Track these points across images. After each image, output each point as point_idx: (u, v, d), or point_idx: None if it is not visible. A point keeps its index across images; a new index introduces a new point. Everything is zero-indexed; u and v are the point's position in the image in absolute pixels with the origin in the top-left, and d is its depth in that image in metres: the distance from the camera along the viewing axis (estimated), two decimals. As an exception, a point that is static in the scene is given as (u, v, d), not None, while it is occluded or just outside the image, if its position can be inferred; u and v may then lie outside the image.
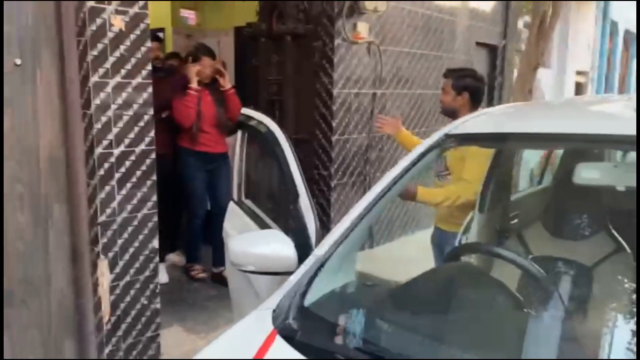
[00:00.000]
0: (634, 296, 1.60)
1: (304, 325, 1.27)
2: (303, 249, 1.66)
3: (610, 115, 1.57)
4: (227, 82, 3.41)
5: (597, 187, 1.96)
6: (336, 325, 1.29)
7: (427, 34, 4.28)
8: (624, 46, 9.69)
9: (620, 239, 1.97)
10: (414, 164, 1.70)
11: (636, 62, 7.14)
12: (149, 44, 2.44)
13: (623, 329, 1.57)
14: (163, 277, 3.61)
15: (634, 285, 1.69)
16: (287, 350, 1.19)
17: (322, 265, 1.47)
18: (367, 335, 1.22)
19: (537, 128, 1.54)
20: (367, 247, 2.93)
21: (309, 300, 1.38)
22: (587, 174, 1.58)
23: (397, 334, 1.25)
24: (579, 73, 7.44)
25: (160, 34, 3.79)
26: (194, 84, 3.35)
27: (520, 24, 5.95)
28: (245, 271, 1.73)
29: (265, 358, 1.17)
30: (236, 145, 2.66)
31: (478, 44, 4.90)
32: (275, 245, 1.68)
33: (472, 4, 4.78)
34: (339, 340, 1.20)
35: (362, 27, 3.56)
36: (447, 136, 1.76)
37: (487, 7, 4.89)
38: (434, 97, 4.12)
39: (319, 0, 3.49)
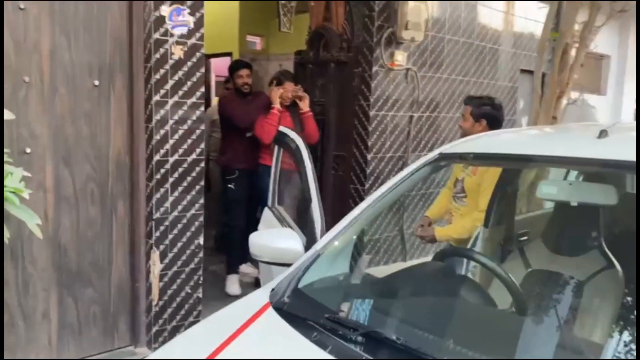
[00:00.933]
0: (617, 309, 1.78)
1: (294, 301, 1.58)
2: (311, 245, 1.98)
3: (576, 139, 1.78)
4: (306, 106, 3.71)
5: (593, 208, 2.14)
6: (319, 302, 1.59)
7: (467, 61, 4.50)
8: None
9: (611, 256, 2.14)
10: (409, 177, 1.98)
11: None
12: (203, 69, 2.88)
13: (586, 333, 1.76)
14: (234, 288, 3.85)
15: (620, 299, 1.87)
16: (274, 318, 1.51)
17: (318, 257, 1.78)
18: (340, 310, 1.51)
19: (511, 150, 1.79)
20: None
21: (302, 283, 1.69)
22: (547, 190, 1.79)
23: (367, 312, 1.54)
24: None
25: (249, 62, 4.21)
26: (276, 105, 3.67)
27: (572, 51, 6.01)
28: (262, 261, 2.08)
29: (254, 323, 1.49)
30: (273, 158, 3.03)
31: (523, 71, 5.05)
32: (287, 241, 2.01)
33: (517, 33, 4.95)
34: (316, 312, 1.49)
35: (400, 55, 3.86)
36: (441, 155, 2.03)
37: (532, 35, 5.04)
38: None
39: (361, 32, 3.83)
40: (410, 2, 3.68)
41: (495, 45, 4.75)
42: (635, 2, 6.14)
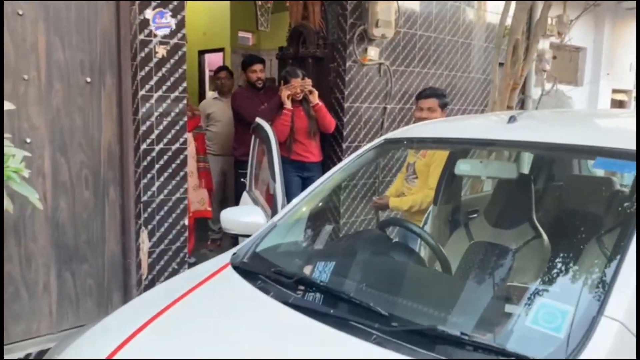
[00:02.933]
0: (541, 269, 2.07)
1: (250, 261, 1.89)
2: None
3: (491, 124, 2.09)
4: (315, 98, 3.84)
5: (526, 188, 2.45)
6: (270, 261, 1.90)
7: (439, 55, 4.79)
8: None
9: (539, 228, 2.44)
10: (357, 159, 2.29)
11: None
12: (184, 66, 3.17)
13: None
14: None
15: (545, 262, 2.16)
16: (231, 273, 1.82)
17: (274, 227, 2.09)
18: (285, 266, 1.82)
19: (438, 134, 2.09)
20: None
21: (259, 248, 2.00)
22: (463, 167, 2.10)
23: (306, 267, 1.85)
24: (616, 91, 7.57)
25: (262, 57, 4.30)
26: (287, 105, 3.80)
27: (546, 44, 6.29)
28: (231, 234, 2.40)
29: (213, 277, 1.80)
30: (251, 147, 3.34)
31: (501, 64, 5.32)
32: (252, 216, 2.33)
33: (489, 27, 5.23)
34: (266, 268, 1.80)
35: (372, 51, 4.15)
36: (386, 140, 2.34)
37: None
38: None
39: (335, 29, 4.12)
40: (380, 1, 3.96)
41: (467, 40, 5.03)
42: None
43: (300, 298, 1.52)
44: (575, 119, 2.30)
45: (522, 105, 5.93)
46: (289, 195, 4.12)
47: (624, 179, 2.52)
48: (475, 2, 5.03)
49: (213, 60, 7.92)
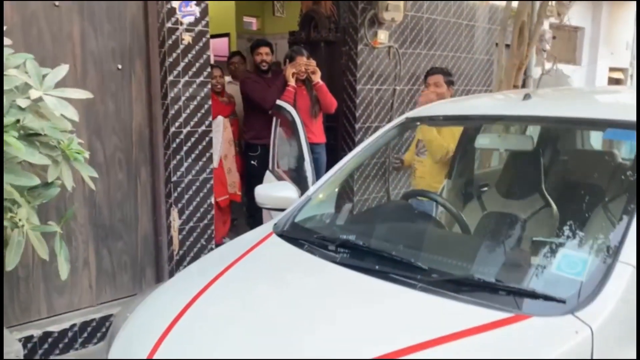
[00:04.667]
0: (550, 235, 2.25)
1: (291, 230, 2.09)
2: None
3: (507, 101, 2.28)
4: (317, 77, 3.94)
5: (535, 161, 2.64)
6: (310, 229, 2.09)
7: (445, 37, 4.95)
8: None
9: (549, 197, 2.64)
10: (382, 136, 2.48)
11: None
12: (209, 52, 3.33)
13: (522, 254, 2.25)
14: None
15: (553, 229, 2.35)
16: (277, 240, 2.02)
17: (309, 201, 2.28)
18: (325, 233, 2.02)
19: (457, 112, 2.28)
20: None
21: (297, 218, 2.19)
22: (482, 140, 2.29)
23: (343, 232, 2.04)
24: (613, 69, 7.76)
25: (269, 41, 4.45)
26: (291, 82, 3.93)
27: (546, 25, 6.45)
28: (266, 208, 2.59)
29: (261, 244, 2.00)
30: (272, 128, 3.52)
31: (498, 44, 5.49)
32: (286, 191, 2.51)
33: (492, 9, 5.38)
34: (308, 235, 1.99)
35: (382, 34, 4.31)
36: (408, 119, 2.52)
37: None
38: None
39: (347, 14, 4.28)
40: (389, -13, 4.12)
41: (471, 22, 5.19)
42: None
43: (347, 257, 1.71)
44: (583, 96, 2.49)
45: (523, 84, 6.11)
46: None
47: (624, 153, 2.72)
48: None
49: (217, 46, 8.03)
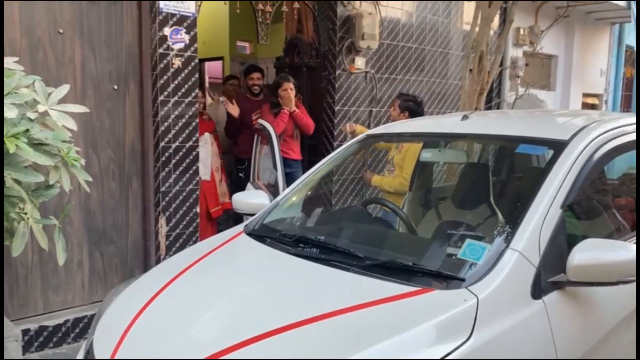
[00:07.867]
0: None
1: (259, 229, 2.41)
2: (275, 201, 2.81)
3: (449, 121, 2.63)
4: (291, 107, 4.32)
5: (484, 176, 2.99)
6: (275, 229, 2.41)
7: (420, 64, 5.35)
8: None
9: (495, 208, 2.98)
10: (344, 150, 2.82)
11: (636, 68, 7.75)
12: (197, 75, 3.70)
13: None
14: None
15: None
16: (245, 238, 2.34)
17: (277, 205, 2.61)
18: (288, 231, 2.34)
19: (407, 130, 2.63)
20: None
21: (266, 220, 2.52)
22: (426, 154, 2.64)
23: (303, 231, 2.37)
24: (587, 95, 8.18)
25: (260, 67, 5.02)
26: (292, 108, 4.34)
27: (520, 52, 6.88)
28: (243, 213, 2.92)
29: (231, 241, 2.32)
30: (254, 144, 3.86)
31: (471, 70, 5.89)
32: (259, 199, 2.84)
33: (466, 38, 5.79)
34: (273, 233, 2.31)
35: (359, 61, 4.70)
36: (368, 136, 2.87)
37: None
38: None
39: (326, 41, 4.67)
40: (365, 17, 4.51)
41: (444, 49, 5.59)
42: (575, 7, 7.01)
43: (300, 249, 2.04)
44: (515, 118, 2.85)
45: (498, 107, 6.50)
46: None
47: (542, 162, 3.05)
48: (452, 15, 5.60)
49: (212, 68, 8.44)
